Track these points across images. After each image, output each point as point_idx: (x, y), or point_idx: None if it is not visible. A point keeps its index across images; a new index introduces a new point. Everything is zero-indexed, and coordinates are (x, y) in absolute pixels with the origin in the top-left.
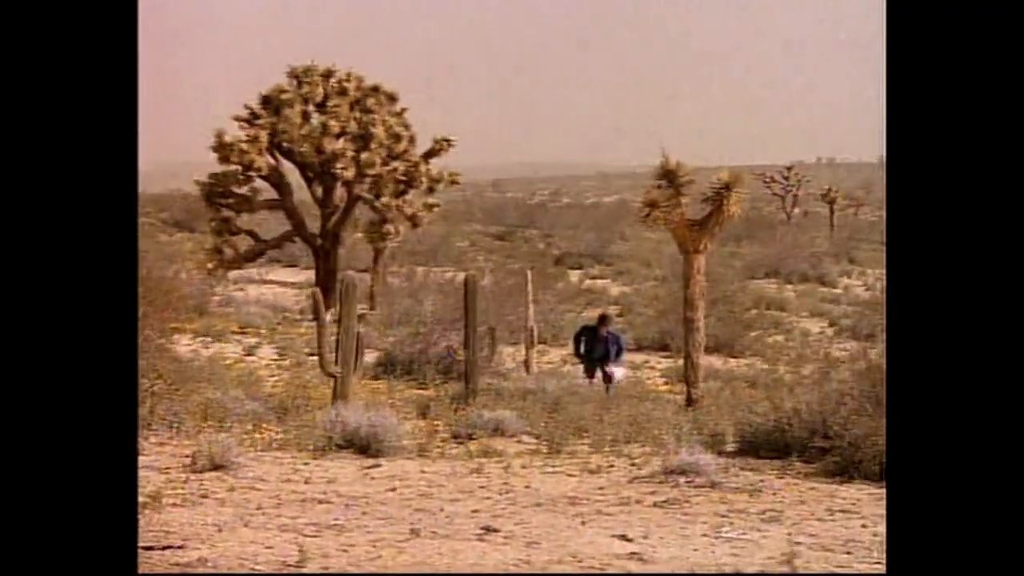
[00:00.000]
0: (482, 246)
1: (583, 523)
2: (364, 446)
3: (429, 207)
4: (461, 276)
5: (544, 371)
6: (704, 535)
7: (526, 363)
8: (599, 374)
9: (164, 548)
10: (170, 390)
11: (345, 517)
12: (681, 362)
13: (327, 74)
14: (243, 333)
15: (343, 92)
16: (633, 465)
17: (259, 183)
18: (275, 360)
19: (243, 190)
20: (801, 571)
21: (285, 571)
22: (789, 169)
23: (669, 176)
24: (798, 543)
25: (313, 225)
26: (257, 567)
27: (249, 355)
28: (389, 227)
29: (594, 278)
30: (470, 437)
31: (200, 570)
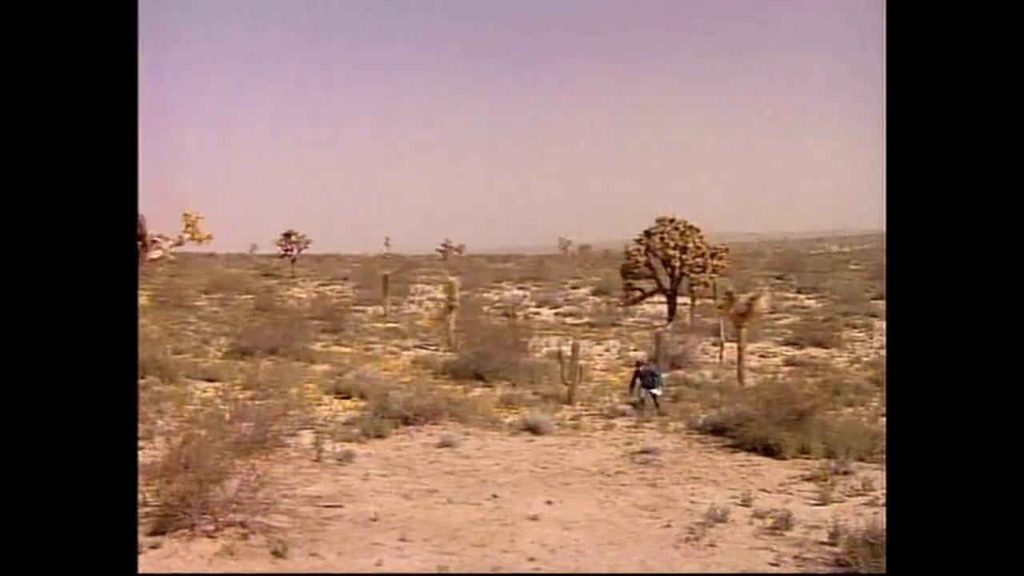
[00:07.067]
0: (765, 279)
1: (548, 490)
2: (535, 429)
3: (711, 279)
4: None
5: (729, 359)
6: (595, 499)
7: (720, 356)
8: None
9: (336, 506)
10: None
11: (448, 486)
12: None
13: (670, 220)
14: (617, 336)
15: (676, 228)
16: (654, 440)
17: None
18: (615, 357)
19: (637, 270)
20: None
21: (299, 570)
22: None
23: (729, 295)
24: (636, 505)
25: (666, 285)
26: (355, 521)
27: (606, 351)
28: (696, 288)
29: (810, 298)
30: (610, 418)
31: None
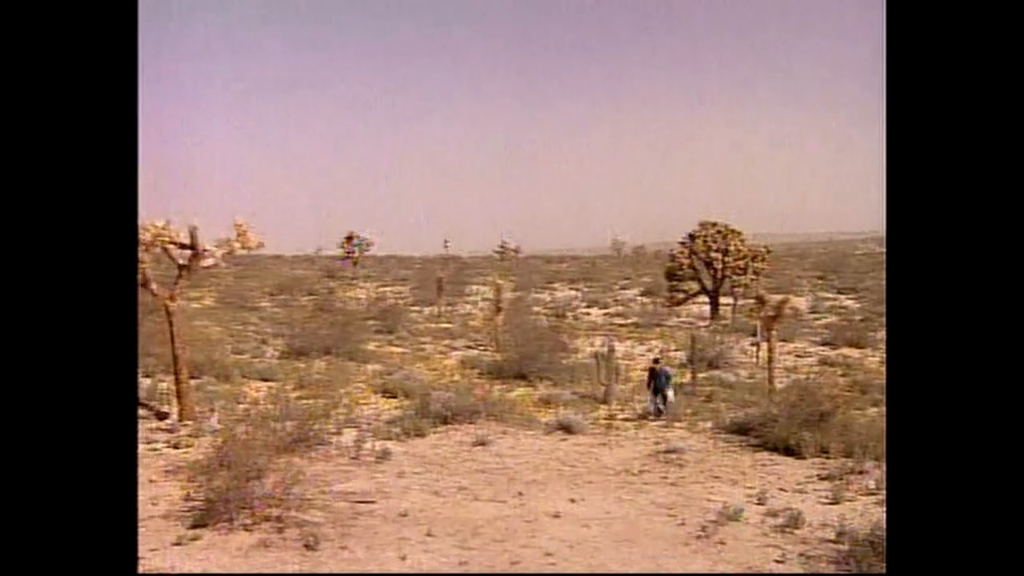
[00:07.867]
0: (808, 280)
1: (573, 488)
2: (569, 428)
3: (752, 280)
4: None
5: (766, 359)
6: (616, 497)
7: (756, 356)
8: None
9: (369, 502)
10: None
11: (478, 483)
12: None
13: (713, 224)
14: (660, 337)
15: (719, 231)
16: (680, 439)
17: (684, 270)
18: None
19: (680, 272)
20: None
21: (313, 571)
22: None
23: (759, 298)
24: (655, 503)
25: (709, 286)
26: (386, 516)
27: (648, 351)
28: (737, 288)
29: (849, 298)
30: (643, 417)
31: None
